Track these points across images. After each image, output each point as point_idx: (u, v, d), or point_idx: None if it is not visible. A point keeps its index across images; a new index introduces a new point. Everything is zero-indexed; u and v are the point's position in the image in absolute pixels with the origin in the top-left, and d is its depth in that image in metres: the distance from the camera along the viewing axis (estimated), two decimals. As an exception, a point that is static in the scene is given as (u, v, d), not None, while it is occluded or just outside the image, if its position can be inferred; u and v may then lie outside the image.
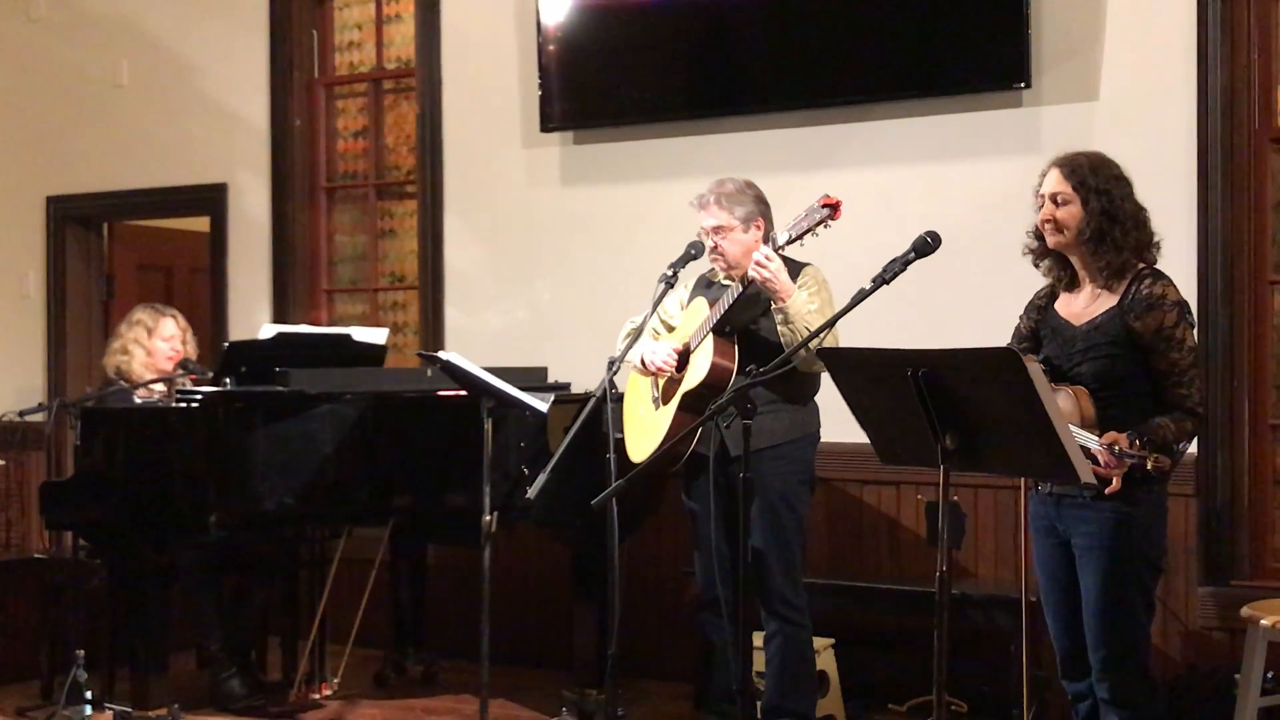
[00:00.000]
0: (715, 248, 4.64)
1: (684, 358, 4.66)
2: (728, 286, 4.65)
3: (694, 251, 4.65)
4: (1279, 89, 5.05)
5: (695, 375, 4.55)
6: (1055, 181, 3.68)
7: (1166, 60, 5.07)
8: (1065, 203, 3.66)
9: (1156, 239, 3.71)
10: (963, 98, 5.38)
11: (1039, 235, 3.76)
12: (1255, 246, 5.03)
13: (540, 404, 4.73)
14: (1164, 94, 5.07)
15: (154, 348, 5.78)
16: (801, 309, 4.41)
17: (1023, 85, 5.22)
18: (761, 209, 4.68)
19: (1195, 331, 3.65)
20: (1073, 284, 3.75)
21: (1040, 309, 3.83)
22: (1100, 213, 3.62)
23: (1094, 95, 5.19)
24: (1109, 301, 3.64)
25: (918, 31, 5.47)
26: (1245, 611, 4.34)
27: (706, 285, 4.80)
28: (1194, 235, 4.96)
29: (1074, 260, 3.72)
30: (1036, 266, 3.81)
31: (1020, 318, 3.89)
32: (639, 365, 4.76)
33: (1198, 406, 3.59)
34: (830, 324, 3.83)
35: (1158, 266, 3.69)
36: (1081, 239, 3.66)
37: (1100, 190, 3.62)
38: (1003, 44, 5.24)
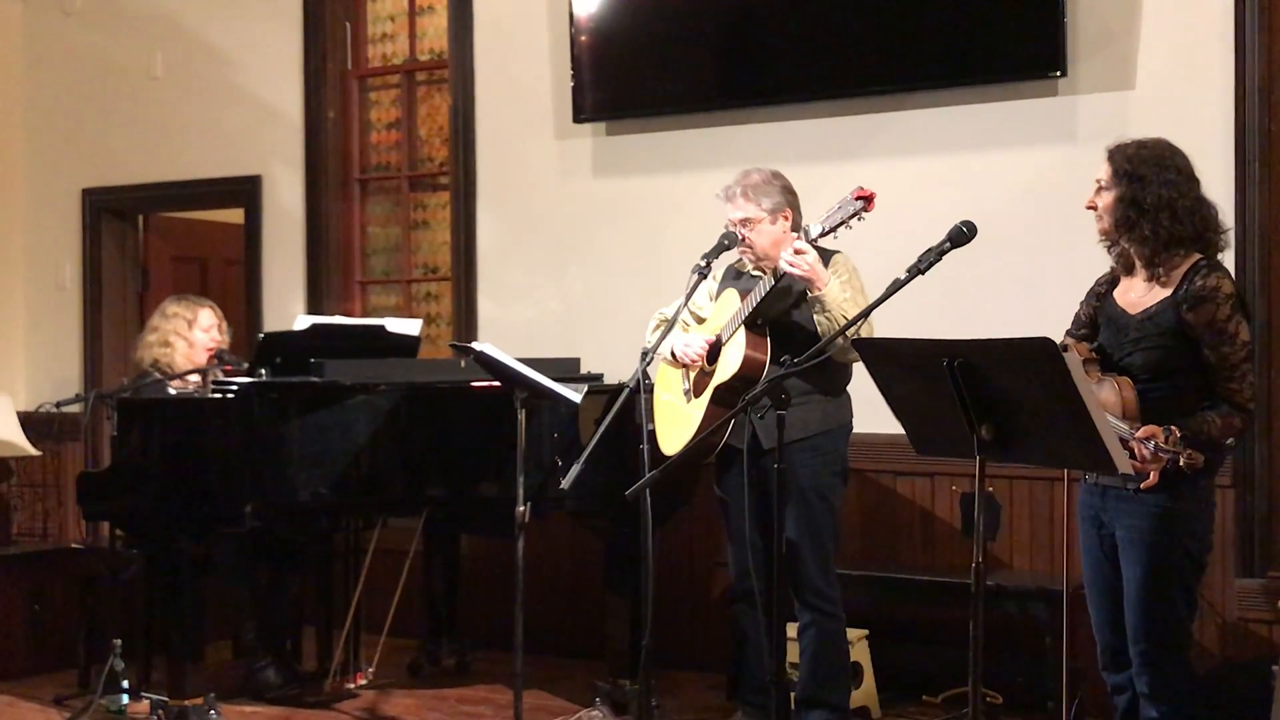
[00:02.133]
0: (743, 239, 4.63)
1: (715, 350, 4.65)
2: (757, 277, 4.64)
3: (727, 242, 4.64)
4: (1318, 76, 5.00)
5: (728, 368, 4.54)
6: (1103, 167, 3.66)
7: (1203, 48, 5.03)
8: (1105, 190, 3.64)
9: (1223, 229, 3.65)
10: (998, 86, 5.35)
11: None
12: (1293, 235, 4.99)
13: (573, 395, 4.73)
14: (1201, 82, 5.03)
15: (194, 339, 5.81)
16: (838, 297, 4.40)
17: (1058, 74, 5.19)
18: (789, 199, 4.66)
19: (1249, 326, 3.58)
20: (1131, 269, 3.70)
21: (1100, 296, 3.79)
22: (1130, 201, 3.58)
23: (1130, 84, 5.15)
24: (1164, 292, 3.59)
25: (952, 20, 5.44)
26: (1283, 603, 4.31)
27: (735, 276, 4.79)
28: (1231, 225, 4.89)
29: (1128, 248, 3.68)
30: (1109, 252, 3.76)
31: (1081, 304, 3.85)
32: (669, 357, 4.75)
33: (1248, 402, 3.54)
34: (865, 314, 3.82)
35: (1218, 259, 3.64)
36: (1113, 226, 3.63)
37: (1134, 177, 3.58)
38: (1038, 32, 5.20)
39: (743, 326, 4.53)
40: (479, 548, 6.34)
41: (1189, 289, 3.55)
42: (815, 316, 4.42)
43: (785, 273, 4.38)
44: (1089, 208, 3.68)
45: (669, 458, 4.50)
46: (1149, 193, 3.56)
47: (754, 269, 4.69)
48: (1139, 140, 3.67)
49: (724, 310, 4.70)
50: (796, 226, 4.65)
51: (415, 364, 5.68)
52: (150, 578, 5.28)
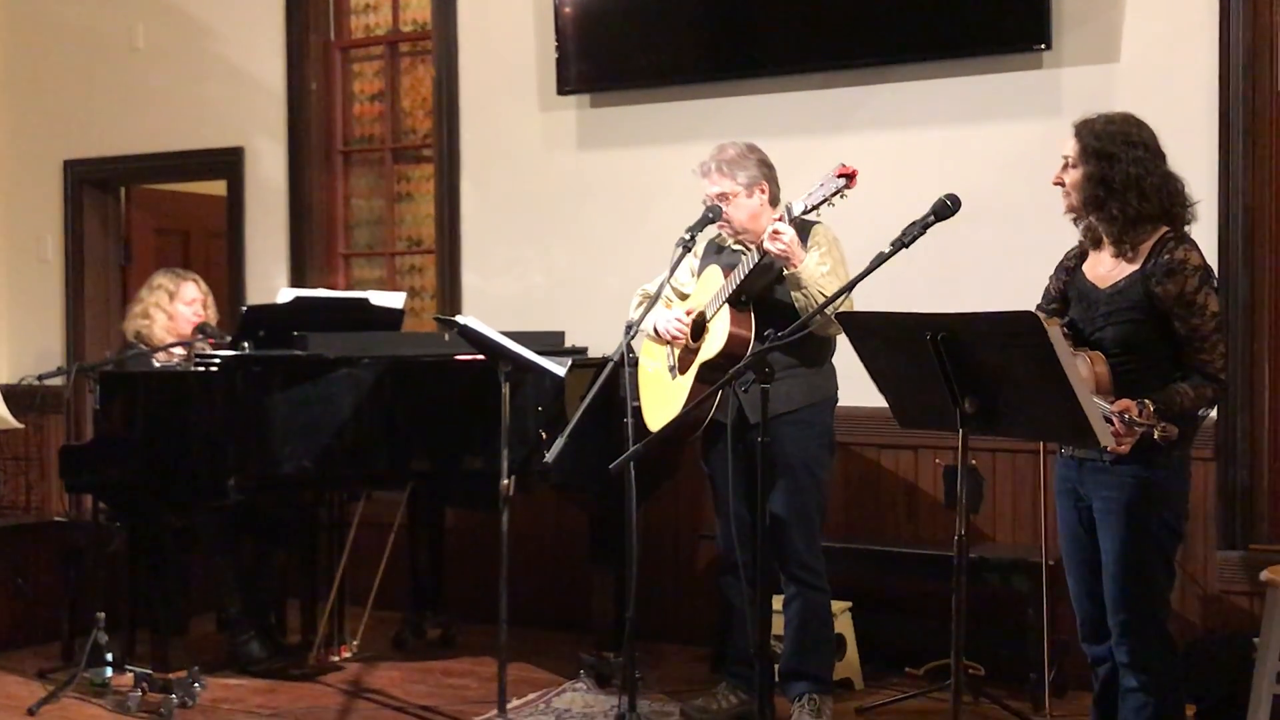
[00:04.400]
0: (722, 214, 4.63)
1: (699, 326, 4.65)
2: (738, 252, 4.64)
3: (711, 215, 4.62)
4: (1302, 50, 5.00)
5: (713, 345, 4.54)
6: (1070, 144, 3.65)
7: (1188, 21, 5.03)
8: (1073, 166, 3.63)
9: (1190, 204, 3.65)
10: (982, 59, 5.35)
11: None
12: (1277, 209, 5.00)
13: (558, 368, 4.73)
14: (1185, 55, 5.03)
15: (176, 312, 5.80)
16: (814, 273, 4.40)
17: (1043, 47, 5.18)
18: (765, 172, 4.66)
19: (1218, 297, 3.60)
20: (1099, 243, 3.71)
21: (1069, 270, 3.79)
22: (1099, 180, 3.57)
23: (1115, 57, 5.15)
24: (1132, 266, 3.60)
25: (937, -8, 5.43)
26: (1265, 575, 4.33)
27: (717, 251, 4.78)
28: (1215, 198, 4.93)
29: (1095, 223, 3.69)
30: (1076, 225, 3.76)
31: (1050, 278, 3.86)
32: (652, 334, 4.75)
33: (1219, 372, 3.56)
34: (849, 288, 3.81)
35: (1191, 231, 3.64)
36: (1080, 204, 3.63)
37: (1101, 154, 3.57)
38: (1023, 5, 5.19)
39: (727, 304, 4.52)
40: (463, 521, 6.34)
41: (1157, 262, 3.55)
42: (793, 293, 4.41)
43: (766, 250, 4.38)
44: (1056, 184, 3.68)
45: (653, 433, 4.50)
46: (1118, 171, 3.56)
47: (734, 243, 4.69)
48: (1105, 115, 3.66)
49: (707, 286, 4.69)
50: (774, 199, 4.65)
51: (399, 337, 5.67)
52: (134, 551, 5.27)
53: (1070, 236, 3.84)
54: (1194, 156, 4.83)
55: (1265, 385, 5.01)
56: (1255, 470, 5.02)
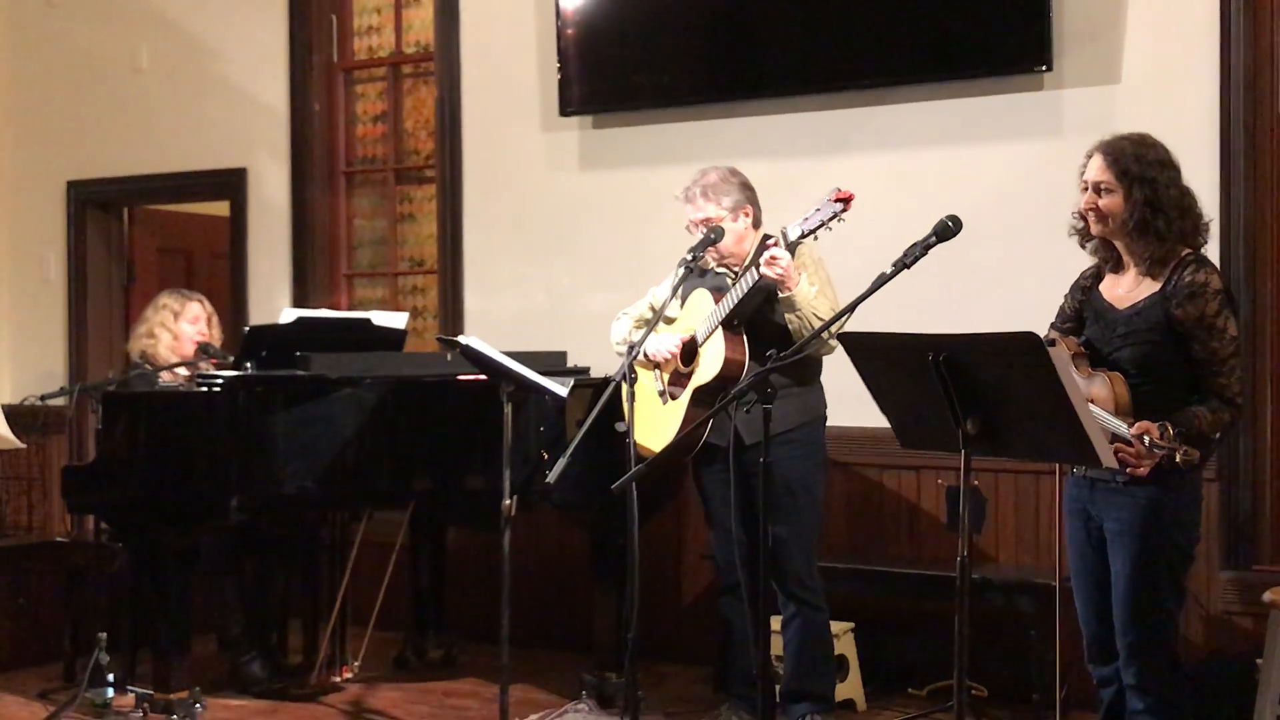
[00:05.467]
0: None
1: (689, 350, 4.65)
2: (722, 274, 4.65)
3: (713, 236, 4.63)
4: (1303, 71, 5.01)
5: (708, 370, 4.55)
6: (1098, 169, 3.64)
7: (1189, 42, 5.04)
8: (1108, 191, 3.62)
9: (1206, 220, 3.68)
10: (983, 81, 5.36)
11: (1085, 216, 3.72)
12: (1278, 230, 5.00)
13: (560, 388, 4.73)
14: (1186, 76, 5.04)
15: (180, 331, 5.81)
16: (808, 295, 4.42)
17: (1044, 68, 5.20)
18: (748, 195, 4.68)
19: (1236, 320, 3.60)
20: (1118, 265, 3.71)
21: (1085, 289, 3.80)
22: (1143, 203, 3.58)
23: (1115, 78, 5.16)
24: (1152, 287, 3.60)
25: (938, 14, 5.44)
26: (1268, 596, 4.31)
27: (700, 274, 4.77)
28: (1216, 219, 4.91)
29: (1118, 245, 3.69)
30: (1083, 247, 3.77)
31: (1065, 297, 3.86)
32: (641, 357, 4.74)
33: (1237, 396, 3.56)
34: (851, 308, 3.81)
35: (1204, 252, 3.65)
36: (1125, 229, 3.63)
37: (1143, 179, 3.58)
38: (1024, 26, 5.21)
39: (720, 328, 4.53)
40: (465, 541, 6.33)
41: (1178, 284, 3.56)
42: (787, 315, 4.42)
43: (762, 276, 4.38)
44: (1088, 209, 3.67)
45: (653, 455, 4.50)
46: (1160, 193, 3.58)
47: (718, 266, 4.70)
48: (1130, 138, 3.66)
49: (695, 310, 4.69)
50: (758, 222, 4.68)
51: (401, 357, 5.68)
52: (135, 571, 5.27)
53: (1072, 256, 3.85)
54: (1195, 178, 4.76)
55: (1268, 406, 5.01)
56: (1258, 491, 5.02)
